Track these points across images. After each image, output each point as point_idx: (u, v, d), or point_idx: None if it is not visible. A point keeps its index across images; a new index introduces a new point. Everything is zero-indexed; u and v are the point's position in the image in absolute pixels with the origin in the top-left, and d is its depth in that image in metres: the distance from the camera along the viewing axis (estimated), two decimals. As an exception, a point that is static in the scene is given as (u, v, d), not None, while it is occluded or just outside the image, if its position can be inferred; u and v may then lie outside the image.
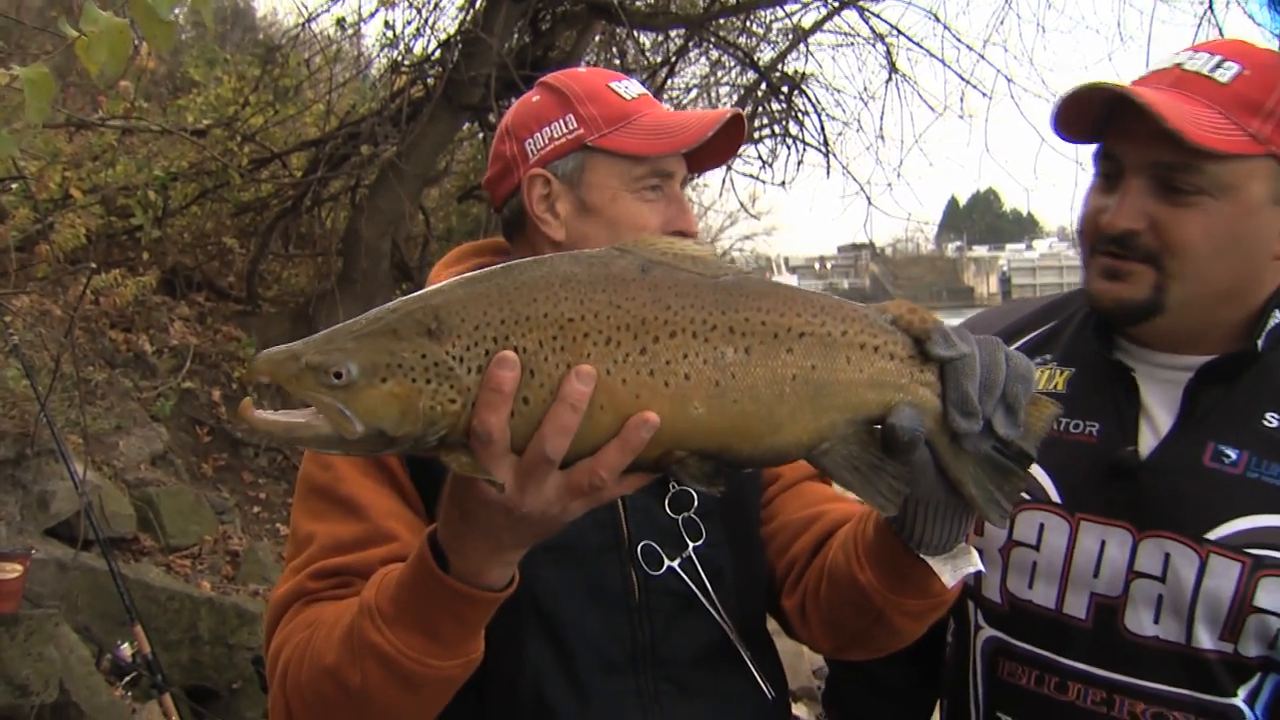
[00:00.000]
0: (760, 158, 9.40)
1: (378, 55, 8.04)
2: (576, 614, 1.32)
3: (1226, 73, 1.31)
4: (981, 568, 1.20)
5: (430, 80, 6.98)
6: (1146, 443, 1.40)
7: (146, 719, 4.23)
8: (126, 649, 4.23)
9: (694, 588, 1.37)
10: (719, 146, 1.48)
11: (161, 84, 7.82)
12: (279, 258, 7.96)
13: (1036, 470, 1.41)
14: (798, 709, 4.87)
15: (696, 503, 1.40)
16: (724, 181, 9.92)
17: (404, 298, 0.97)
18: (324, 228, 7.57)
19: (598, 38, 8.37)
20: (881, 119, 9.23)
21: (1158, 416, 1.41)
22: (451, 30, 7.23)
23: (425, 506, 1.34)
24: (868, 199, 8.85)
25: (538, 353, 0.94)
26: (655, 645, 1.35)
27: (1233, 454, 1.34)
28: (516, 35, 7.01)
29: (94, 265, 4.95)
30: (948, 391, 1.02)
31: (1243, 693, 1.32)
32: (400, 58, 7.37)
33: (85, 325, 6.11)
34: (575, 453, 0.95)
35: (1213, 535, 1.32)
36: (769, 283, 1.03)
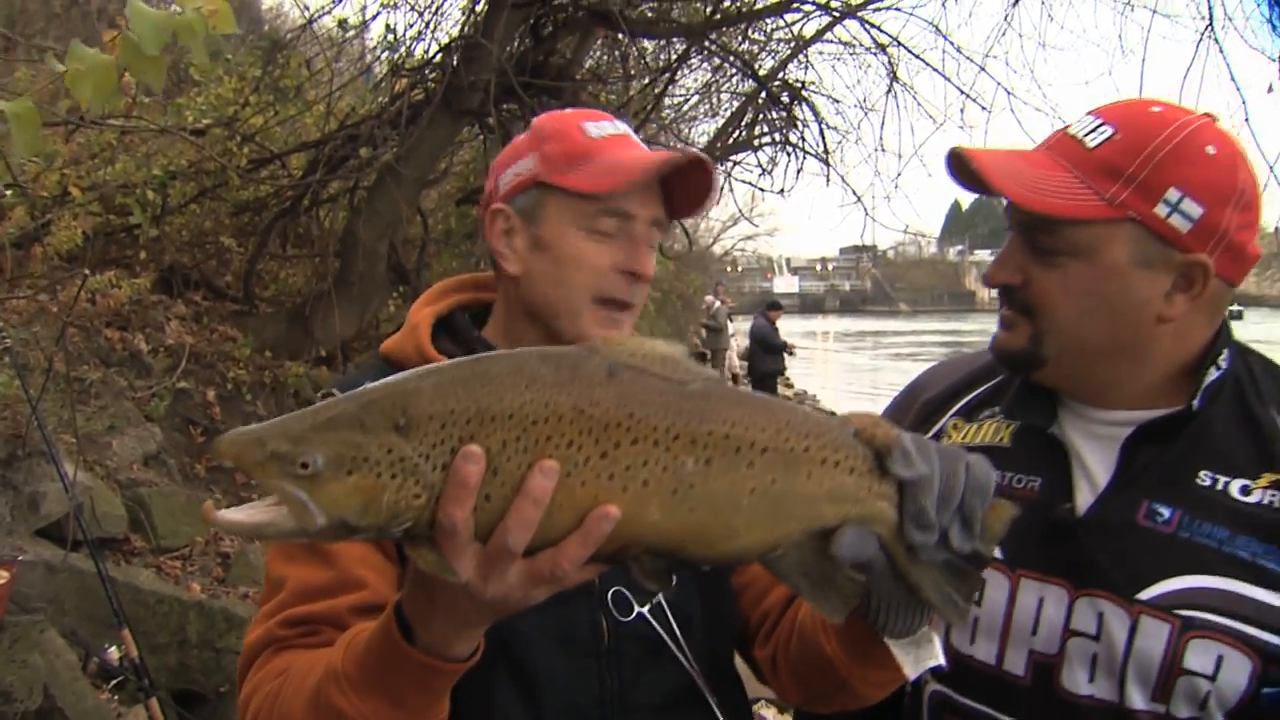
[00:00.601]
0: (760, 165, 9.42)
1: (378, 58, 8.05)
2: (546, 660, 1.33)
3: (1098, 137, 1.35)
4: (943, 661, 1.19)
5: (430, 84, 6.98)
6: (1084, 499, 1.41)
7: (132, 723, 4.25)
8: (114, 652, 4.24)
9: (663, 634, 1.38)
10: (692, 192, 1.47)
11: (166, 77, 7.80)
12: (276, 258, 7.96)
13: None
14: (768, 711, 4.88)
15: None
16: (721, 188, 9.90)
17: (372, 385, 0.97)
18: (322, 229, 7.57)
19: (600, 43, 8.38)
20: (882, 129, 9.24)
21: (1095, 473, 1.41)
22: (453, 34, 7.24)
23: (397, 549, 1.34)
24: (865, 210, 8.85)
25: (501, 452, 0.94)
26: (623, 691, 1.36)
27: (1166, 513, 1.35)
28: (517, 40, 7.01)
29: (88, 271, 4.94)
30: (905, 505, 1.03)
31: None
32: (400, 61, 7.37)
33: (81, 324, 6.11)
34: (535, 544, 0.96)
35: (1144, 595, 1.33)
36: (736, 392, 1.04)
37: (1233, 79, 6.78)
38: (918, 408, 1.64)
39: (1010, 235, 1.41)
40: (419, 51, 7.46)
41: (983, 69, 8.21)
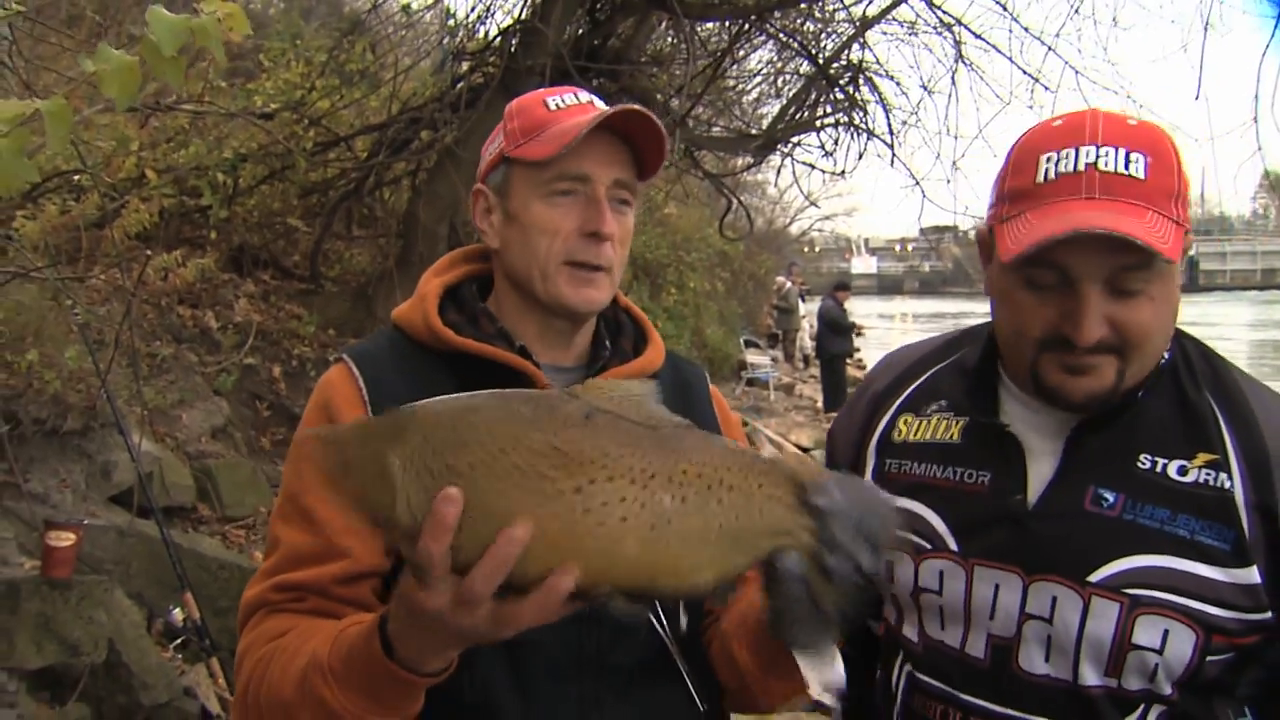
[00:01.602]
0: (822, 146, 9.38)
1: (440, 42, 8.18)
2: None
3: (1139, 166, 1.33)
4: (841, 684, 1.27)
5: (489, 68, 7.10)
6: (1033, 489, 1.45)
7: (194, 680, 4.47)
8: (178, 614, 4.48)
9: None
10: (657, 150, 1.50)
11: (248, 58, 8.02)
12: (342, 239, 8.18)
13: (934, 520, 1.49)
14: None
15: None
16: (778, 171, 9.89)
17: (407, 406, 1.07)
18: (385, 210, 7.76)
19: (661, 25, 8.41)
20: (947, 110, 9.12)
21: (1042, 464, 1.46)
22: (513, 17, 7.34)
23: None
24: (923, 193, 8.76)
25: (473, 476, 1.00)
26: (601, 654, 1.43)
27: (1111, 497, 1.40)
28: (575, 25, 7.09)
29: (149, 252, 5.18)
30: (823, 535, 1.12)
31: None
32: (461, 44, 7.50)
33: (154, 301, 6.38)
34: (513, 581, 1.03)
35: (1094, 578, 1.38)
36: (702, 435, 1.11)
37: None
38: (867, 400, 1.69)
39: (1081, 286, 1.34)
40: (479, 35, 7.59)
41: (1051, 49, 8.06)
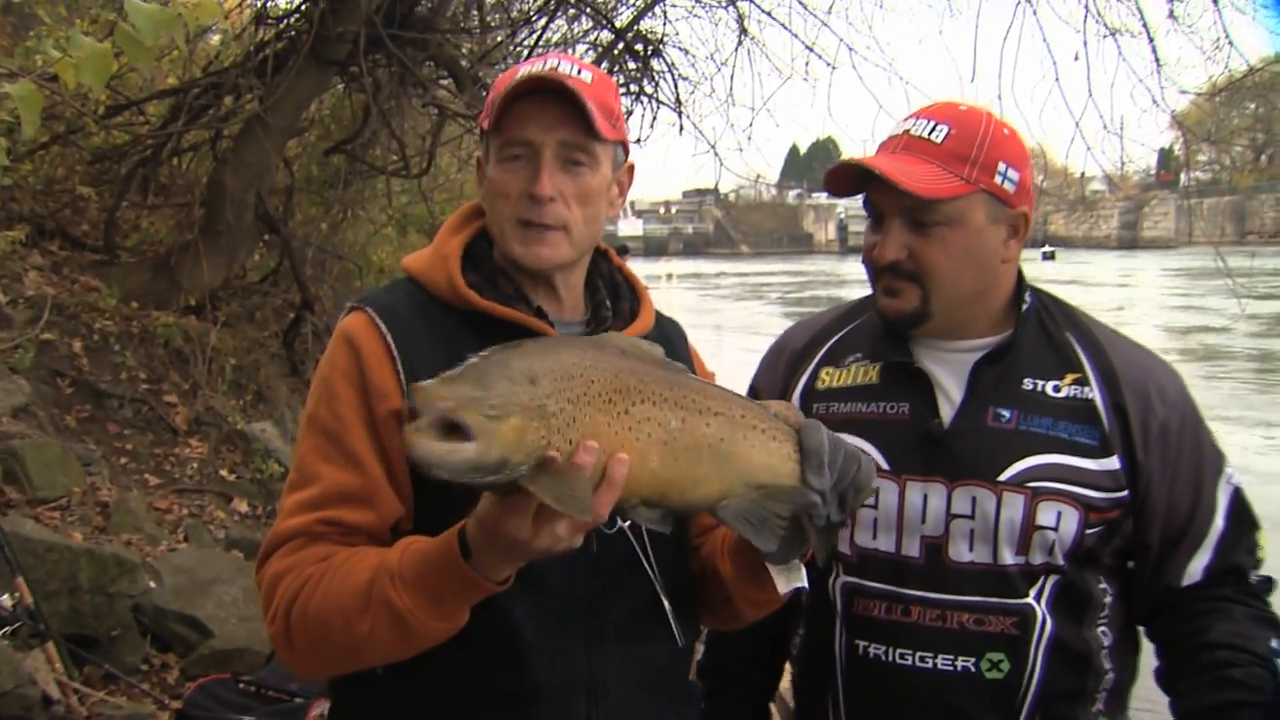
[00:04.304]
0: (616, 115, 9.66)
1: (240, 6, 7.91)
2: (547, 562, 1.42)
3: (940, 133, 1.76)
4: (805, 585, 1.58)
5: (294, 34, 6.96)
6: (946, 414, 1.83)
7: (30, 666, 4.33)
8: (7, 600, 4.31)
9: (637, 548, 1.61)
10: (597, 105, 1.55)
11: (19, 9, 7.42)
12: (137, 207, 7.80)
13: (867, 446, 1.80)
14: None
15: None
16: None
17: (497, 353, 1.23)
18: (185, 178, 7.46)
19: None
20: (732, 81, 9.64)
21: (951, 392, 1.84)
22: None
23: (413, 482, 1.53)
24: (720, 161, 9.27)
25: (572, 400, 1.23)
26: (605, 598, 1.58)
27: (1007, 414, 1.79)
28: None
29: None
30: (808, 480, 1.42)
31: (1032, 593, 1.76)
32: (262, 9, 7.30)
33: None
34: None
35: (1002, 477, 1.76)
36: (694, 376, 1.41)
37: (1045, 41, 7.53)
38: (785, 360, 2.03)
39: (886, 220, 1.78)
40: (283, 1, 7.40)
41: (825, 24, 8.70)
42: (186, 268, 6.90)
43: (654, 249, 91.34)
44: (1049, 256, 60.90)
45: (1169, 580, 1.81)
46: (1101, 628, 1.82)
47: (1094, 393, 1.80)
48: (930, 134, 1.77)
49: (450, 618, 1.39)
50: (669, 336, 1.79)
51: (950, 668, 1.75)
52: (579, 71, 1.57)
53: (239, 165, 6.80)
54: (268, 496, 6.46)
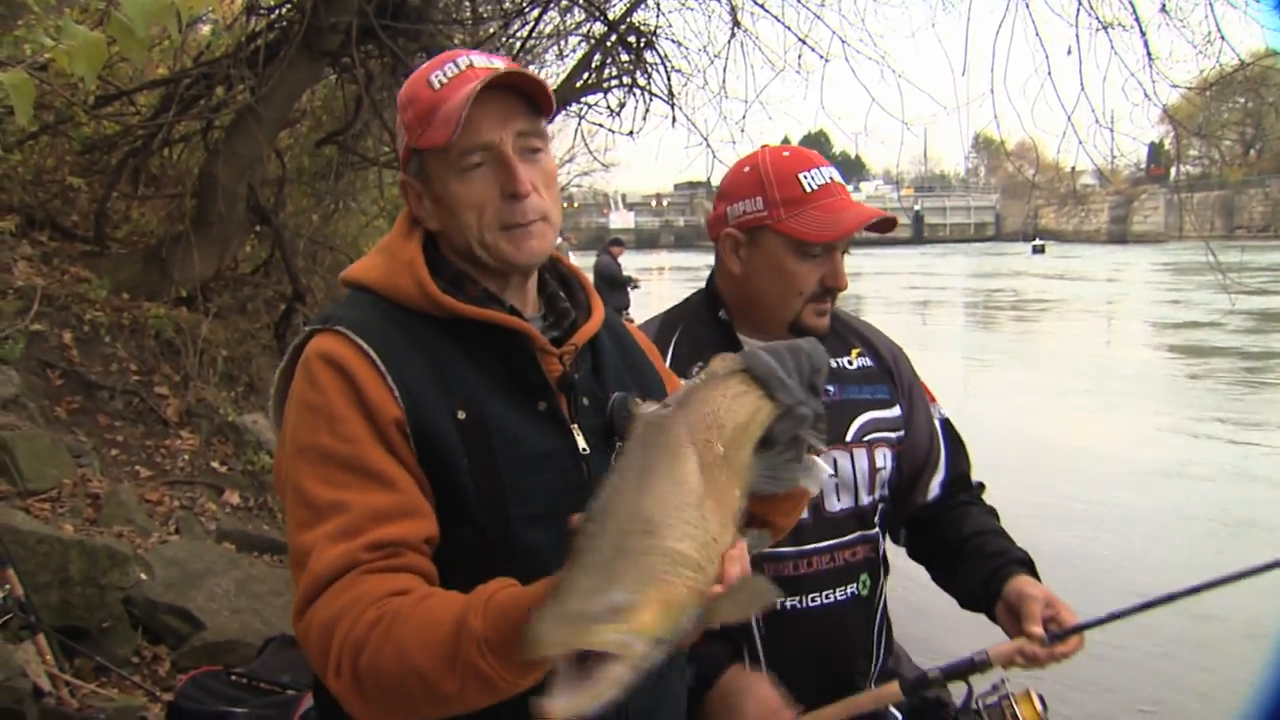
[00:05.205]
0: (609, 108, 9.71)
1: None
2: (555, 551, 1.37)
3: (839, 175, 2.12)
4: (830, 470, 1.87)
5: (285, 25, 6.94)
6: None
7: (21, 658, 4.33)
8: (-4, 592, 4.30)
9: None
10: (536, 86, 1.52)
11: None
12: (128, 197, 7.77)
13: None
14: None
15: None
16: (576, 132, 10.17)
17: (593, 518, 1.12)
18: (176, 168, 7.43)
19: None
20: (725, 73, 9.64)
21: None
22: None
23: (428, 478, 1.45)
24: (713, 154, 9.28)
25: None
26: None
27: (831, 389, 2.08)
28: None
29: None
30: (781, 400, 1.37)
31: (876, 521, 2.17)
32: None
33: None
34: None
35: (848, 437, 2.12)
36: (697, 385, 1.36)
37: (1037, 35, 7.55)
38: None
39: (835, 253, 2.06)
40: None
41: (818, 17, 8.71)
42: (178, 259, 6.88)
43: (646, 242, 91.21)
44: (1039, 250, 61.00)
45: (919, 498, 2.27)
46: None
47: (870, 360, 2.24)
48: (840, 178, 2.09)
49: (537, 676, 1.24)
50: (616, 331, 1.76)
51: (844, 596, 2.10)
52: (493, 61, 1.55)
53: (230, 156, 6.77)
54: (259, 488, 6.45)
